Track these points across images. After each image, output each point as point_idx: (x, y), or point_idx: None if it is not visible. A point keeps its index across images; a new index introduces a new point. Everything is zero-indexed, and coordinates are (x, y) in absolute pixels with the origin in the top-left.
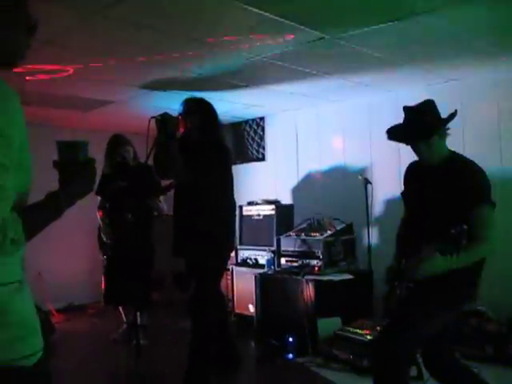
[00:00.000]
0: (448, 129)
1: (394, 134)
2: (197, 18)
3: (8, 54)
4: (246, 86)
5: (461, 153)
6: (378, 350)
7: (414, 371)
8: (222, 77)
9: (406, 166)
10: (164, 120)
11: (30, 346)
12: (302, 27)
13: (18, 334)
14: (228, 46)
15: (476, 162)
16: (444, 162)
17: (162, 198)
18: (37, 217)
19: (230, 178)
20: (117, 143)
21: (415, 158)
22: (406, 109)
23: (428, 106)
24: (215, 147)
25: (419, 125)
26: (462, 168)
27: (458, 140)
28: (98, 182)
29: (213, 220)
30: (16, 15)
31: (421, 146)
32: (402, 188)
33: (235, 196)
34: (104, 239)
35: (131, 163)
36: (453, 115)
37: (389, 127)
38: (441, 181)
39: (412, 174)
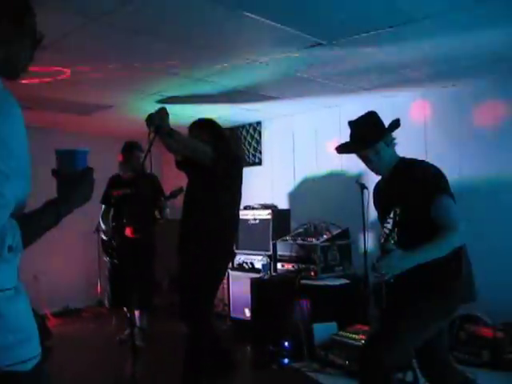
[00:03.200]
0: (394, 138)
1: (343, 147)
2: (194, 24)
3: (14, 67)
4: (244, 94)
5: None
6: (364, 359)
7: (410, 376)
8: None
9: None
10: (148, 119)
11: (26, 351)
12: (299, 32)
13: (14, 340)
14: (227, 52)
15: None
16: (395, 168)
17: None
18: (35, 224)
19: (240, 190)
20: (133, 148)
21: None
22: (350, 123)
23: (370, 117)
24: (233, 162)
25: (364, 134)
26: (414, 168)
27: None
28: (104, 189)
29: (220, 224)
30: (24, 29)
31: (369, 153)
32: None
33: None
34: (113, 242)
35: (139, 170)
36: (395, 123)
37: (337, 145)
38: (398, 187)
39: (378, 195)
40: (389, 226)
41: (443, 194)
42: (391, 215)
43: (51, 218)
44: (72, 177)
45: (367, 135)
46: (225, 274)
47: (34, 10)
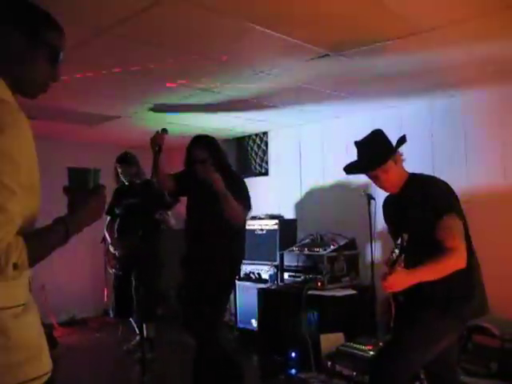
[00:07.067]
0: (401, 154)
1: (352, 168)
2: (201, 35)
3: (28, 86)
4: (252, 104)
5: None
6: (375, 372)
7: None
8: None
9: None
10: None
11: (33, 370)
12: (306, 44)
13: (21, 358)
14: (233, 63)
15: None
16: (406, 185)
17: (169, 212)
18: (43, 242)
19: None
20: (122, 159)
21: (418, 170)
22: (357, 143)
23: (377, 136)
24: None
25: (372, 154)
26: (423, 185)
27: None
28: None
29: (232, 238)
30: (39, 45)
31: (379, 173)
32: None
33: None
34: (116, 253)
35: (136, 180)
36: (402, 139)
37: (345, 165)
38: (409, 204)
39: (388, 209)
40: (396, 251)
41: (450, 213)
42: (398, 241)
43: (60, 236)
44: (84, 195)
45: (376, 155)
46: (233, 286)
47: (53, 24)
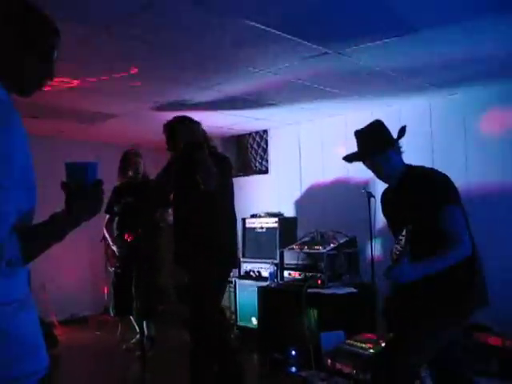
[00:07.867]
0: (401, 146)
1: (354, 156)
2: (198, 34)
3: (23, 86)
4: (252, 103)
5: None
6: (377, 370)
7: None
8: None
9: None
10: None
11: (30, 366)
12: (305, 42)
13: (18, 354)
14: (231, 61)
15: None
16: (403, 177)
17: (169, 210)
18: (39, 238)
19: (231, 188)
20: (131, 156)
21: None
22: (358, 132)
23: (378, 125)
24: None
25: (374, 141)
26: (422, 177)
27: None
28: (107, 198)
29: (218, 230)
30: (35, 46)
31: (380, 160)
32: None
33: (238, 208)
34: (116, 252)
35: (140, 177)
36: (403, 131)
37: (345, 155)
38: (408, 195)
39: (386, 202)
40: (402, 243)
41: (450, 204)
42: (403, 233)
43: (57, 232)
44: (82, 190)
45: (378, 142)
46: (227, 281)
47: (48, 23)
